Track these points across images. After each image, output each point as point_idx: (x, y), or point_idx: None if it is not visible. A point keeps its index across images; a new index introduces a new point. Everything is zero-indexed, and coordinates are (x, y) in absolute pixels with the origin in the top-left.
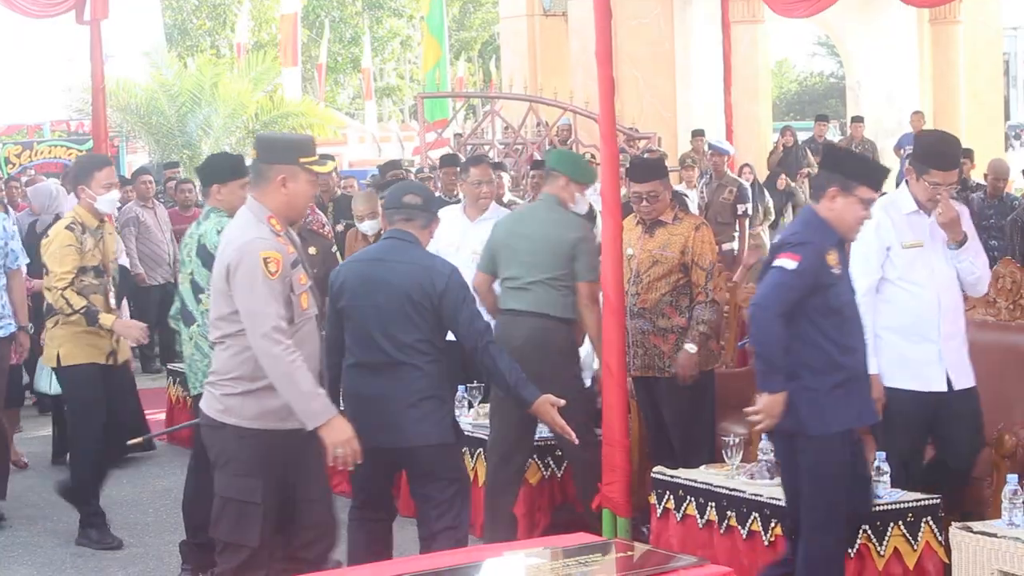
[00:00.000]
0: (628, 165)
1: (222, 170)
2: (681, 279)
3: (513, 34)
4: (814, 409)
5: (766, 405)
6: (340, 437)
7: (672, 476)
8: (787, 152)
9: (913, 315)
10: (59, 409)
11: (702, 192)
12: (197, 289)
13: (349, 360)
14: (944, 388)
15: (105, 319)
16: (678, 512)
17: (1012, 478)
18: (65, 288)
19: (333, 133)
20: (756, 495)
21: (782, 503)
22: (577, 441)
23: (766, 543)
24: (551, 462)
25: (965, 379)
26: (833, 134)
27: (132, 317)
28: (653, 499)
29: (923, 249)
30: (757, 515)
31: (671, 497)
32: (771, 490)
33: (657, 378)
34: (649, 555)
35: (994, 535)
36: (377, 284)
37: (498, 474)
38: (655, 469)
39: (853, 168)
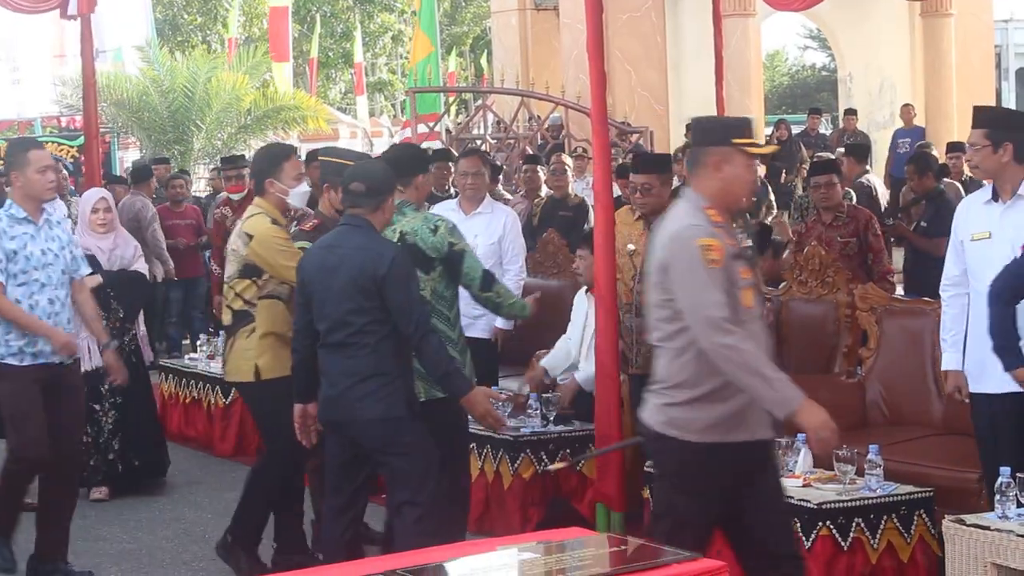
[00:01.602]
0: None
1: (422, 159)
2: None
3: (504, 28)
4: None
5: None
6: (817, 420)
7: None
8: (782, 146)
9: (977, 314)
10: None
11: None
12: None
13: (319, 341)
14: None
15: None
16: None
17: (1004, 470)
18: None
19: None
20: None
21: None
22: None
23: None
24: (544, 456)
25: None
26: (825, 127)
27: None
28: (647, 493)
29: (989, 241)
30: None
31: None
32: None
33: None
34: (643, 549)
35: (987, 528)
36: (329, 270)
37: None
38: (648, 463)
39: None
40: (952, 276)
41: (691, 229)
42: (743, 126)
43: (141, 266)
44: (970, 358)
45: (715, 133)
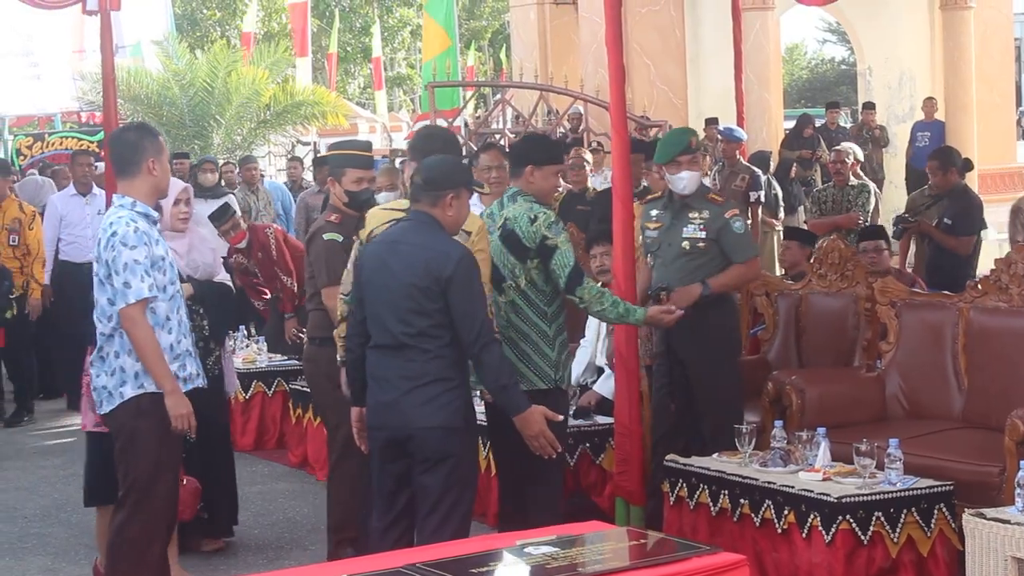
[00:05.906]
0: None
1: (541, 151)
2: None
3: (523, 23)
4: None
5: None
6: None
7: (685, 464)
8: (807, 142)
9: None
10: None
11: (715, 179)
12: (499, 278)
13: (370, 342)
14: None
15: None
16: (691, 500)
17: None
18: None
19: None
20: (769, 483)
21: (795, 490)
22: (552, 455)
23: (779, 531)
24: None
25: None
26: (844, 121)
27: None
28: (666, 487)
29: None
30: (770, 503)
31: (684, 485)
32: (784, 478)
33: None
34: (662, 543)
35: (1007, 522)
36: (388, 267)
37: None
38: (667, 457)
39: None
40: None
41: None
42: None
43: (224, 276)
44: None
45: None
